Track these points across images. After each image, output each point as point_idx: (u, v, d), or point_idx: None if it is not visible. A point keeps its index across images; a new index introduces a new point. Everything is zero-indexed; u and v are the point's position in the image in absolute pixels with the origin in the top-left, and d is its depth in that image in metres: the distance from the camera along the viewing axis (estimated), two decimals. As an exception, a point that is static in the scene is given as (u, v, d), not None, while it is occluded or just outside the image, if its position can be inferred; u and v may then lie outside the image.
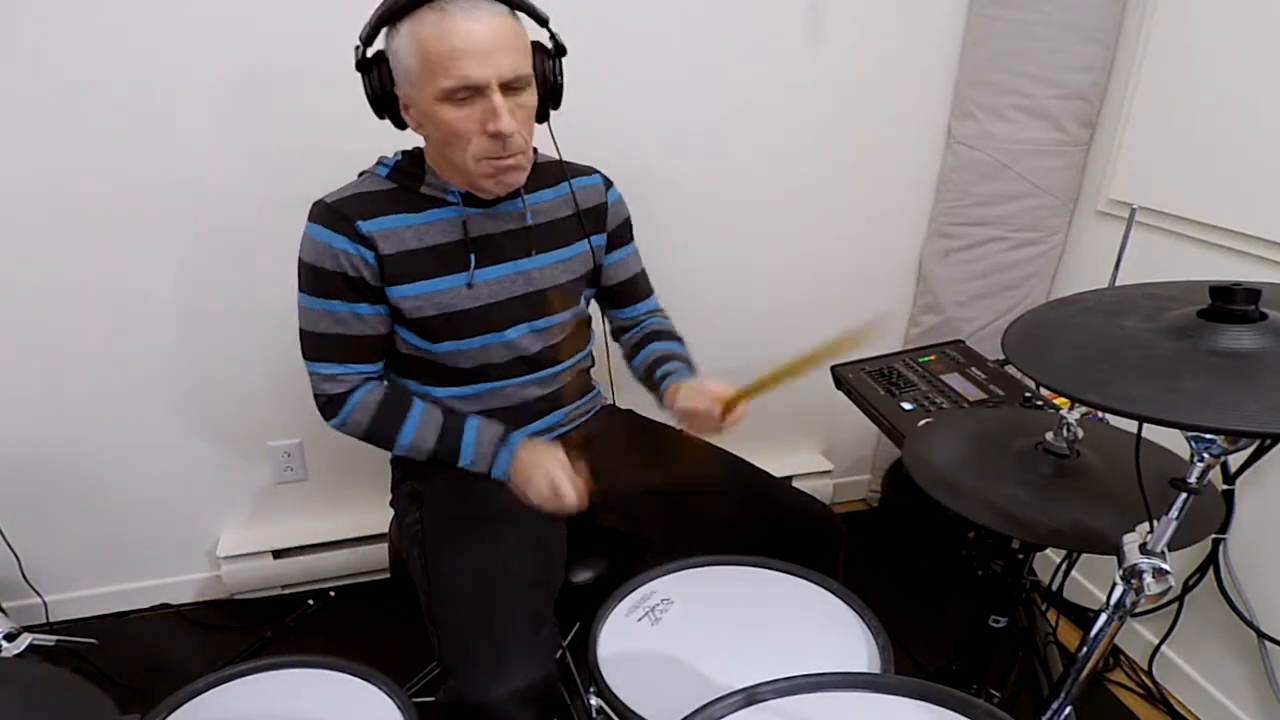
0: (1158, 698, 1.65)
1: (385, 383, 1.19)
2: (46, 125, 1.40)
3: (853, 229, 1.94)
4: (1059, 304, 0.83)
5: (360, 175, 1.14)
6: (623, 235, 1.30)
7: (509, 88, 0.99)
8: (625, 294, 1.34)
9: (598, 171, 1.26)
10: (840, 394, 1.46)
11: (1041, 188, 1.78)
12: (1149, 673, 1.69)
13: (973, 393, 1.37)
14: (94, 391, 1.61)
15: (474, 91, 0.98)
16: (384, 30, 1.01)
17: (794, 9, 1.68)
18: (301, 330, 1.12)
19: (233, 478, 1.77)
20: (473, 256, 1.12)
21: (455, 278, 1.12)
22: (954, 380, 1.41)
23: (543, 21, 1.05)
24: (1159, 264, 1.60)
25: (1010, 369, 1.43)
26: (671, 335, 1.37)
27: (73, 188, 1.45)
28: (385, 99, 1.04)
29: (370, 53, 1.03)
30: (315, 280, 1.08)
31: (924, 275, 2.01)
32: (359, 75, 1.04)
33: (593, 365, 1.38)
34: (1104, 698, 1.65)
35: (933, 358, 1.49)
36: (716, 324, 1.95)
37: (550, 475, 1.08)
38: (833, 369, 1.48)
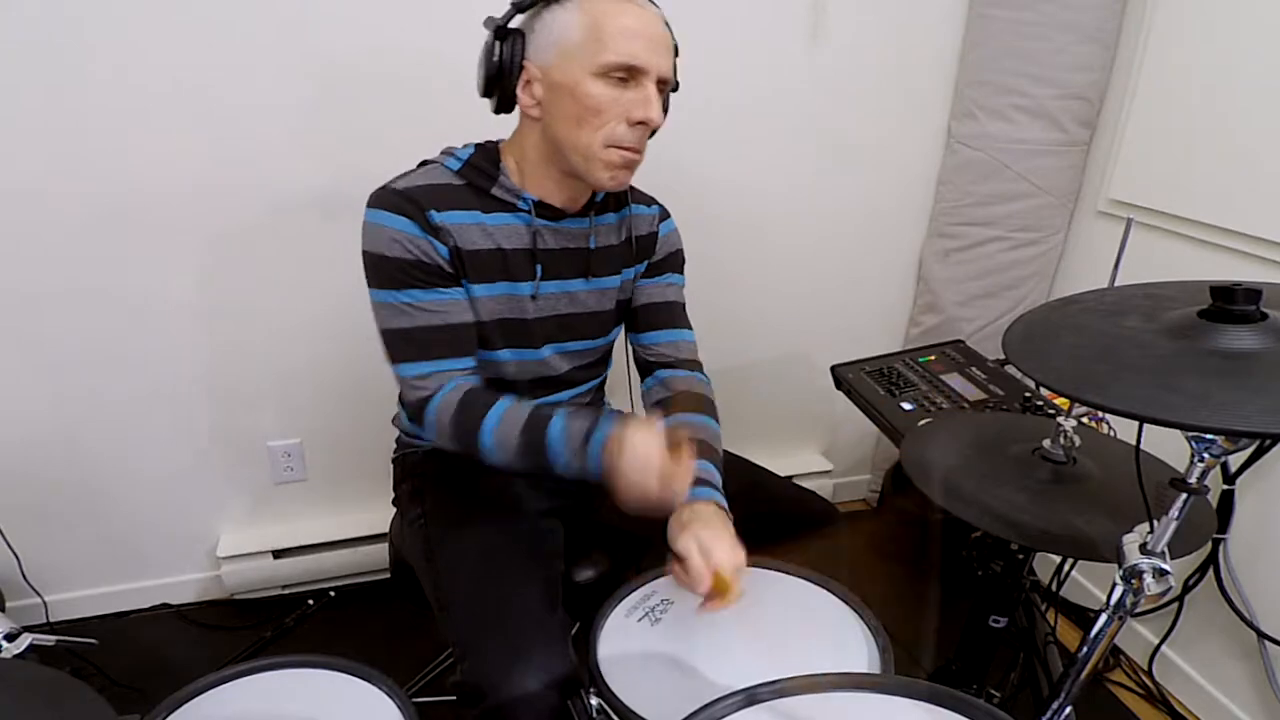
0: (1158, 698, 1.65)
1: (472, 381, 1.03)
2: (43, 125, 1.40)
3: (853, 229, 1.94)
4: (1059, 304, 0.83)
5: (423, 164, 1.07)
6: (668, 264, 1.23)
7: (660, 86, 1.00)
8: (651, 317, 1.22)
9: (658, 202, 1.23)
10: (840, 394, 1.46)
11: (1041, 188, 1.78)
12: (1149, 673, 1.69)
13: (973, 393, 1.37)
14: (94, 392, 1.60)
15: (633, 76, 0.97)
16: (532, 9, 0.99)
17: (794, 9, 1.68)
18: (379, 331, 1.02)
19: (233, 478, 1.77)
20: (540, 267, 1.09)
21: (522, 285, 1.09)
22: (954, 380, 1.41)
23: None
24: (1159, 264, 1.60)
25: (1010, 369, 1.43)
26: (705, 407, 1.15)
27: (73, 188, 1.45)
28: (510, 70, 0.99)
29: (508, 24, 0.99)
30: (381, 270, 0.98)
31: (924, 275, 2.01)
32: (476, 46, 0.99)
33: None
34: (1104, 698, 1.65)
35: (933, 358, 1.49)
36: (715, 323, 1.95)
37: (645, 472, 0.88)
38: (833, 368, 1.48)
